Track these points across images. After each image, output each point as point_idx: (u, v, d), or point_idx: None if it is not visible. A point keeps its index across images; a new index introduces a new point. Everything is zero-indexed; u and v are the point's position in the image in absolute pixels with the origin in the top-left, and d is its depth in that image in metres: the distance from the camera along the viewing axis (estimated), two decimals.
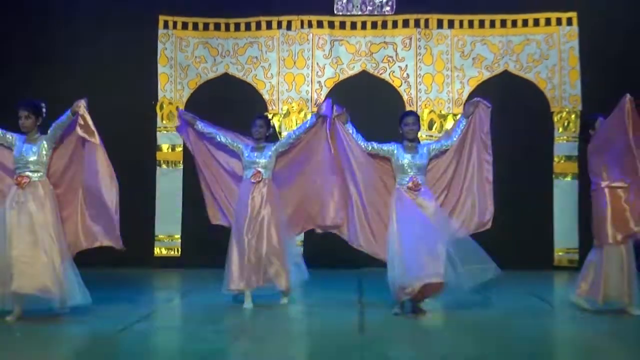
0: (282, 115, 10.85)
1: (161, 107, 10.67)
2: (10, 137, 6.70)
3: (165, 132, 10.75)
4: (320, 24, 11.00)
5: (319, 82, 10.94)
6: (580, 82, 10.65)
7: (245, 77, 10.99)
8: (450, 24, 10.90)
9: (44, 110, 6.72)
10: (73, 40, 10.71)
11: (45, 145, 6.61)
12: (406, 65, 10.91)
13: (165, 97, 10.89)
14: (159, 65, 10.93)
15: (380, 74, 10.93)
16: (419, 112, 10.57)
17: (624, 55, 10.07)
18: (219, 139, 7.35)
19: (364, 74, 10.96)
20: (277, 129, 10.48)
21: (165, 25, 11.01)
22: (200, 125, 7.43)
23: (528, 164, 10.50)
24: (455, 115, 10.38)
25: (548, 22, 10.79)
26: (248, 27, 11.04)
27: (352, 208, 7.15)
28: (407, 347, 5.66)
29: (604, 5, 10.55)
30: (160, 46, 10.96)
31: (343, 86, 10.89)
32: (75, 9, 10.69)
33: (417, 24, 10.92)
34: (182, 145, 10.05)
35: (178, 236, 10.52)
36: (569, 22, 10.75)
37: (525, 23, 10.84)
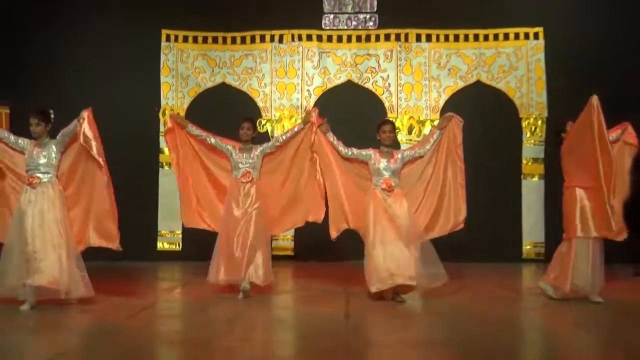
0: (275, 121, 10.85)
1: (164, 114, 10.63)
2: (22, 142, 6.74)
3: None
4: (309, 38, 10.99)
5: (308, 90, 10.94)
6: (546, 91, 10.67)
7: (241, 86, 10.98)
8: (428, 38, 10.92)
9: (52, 117, 6.73)
10: (83, 51, 10.66)
11: (54, 149, 6.63)
12: (388, 76, 10.92)
13: (167, 104, 10.85)
14: (161, 75, 10.91)
15: (364, 83, 10.94)
16: (399, 119, 10.66)
17: (585, 66, 10.11)
18: (209, 141, 7.32)
19: (349, 83, 10.97)
20: (270, 133, 10.47)
21: (168, 39, 10.98)
22: (192, 128, 7.41)
23: (499, 165, 10.52)
24: (432, 121, 10.40)
25: (517, 36, 10.82)
26: (243, 40, 11.02)
27: (333, 200, 7.19)
28: (388, 332, 5.68)
29: (567, 21, 10.58)
30: (163, 57, 10.94)
31: (330, 94, 10.89)
32: (86, 23, 10.64)
33: (397, 37, 10.93)
34: None
35: (179, 232, 10.49)
36: (536, 36, 10.78)
37: (496, 37, 10.86)
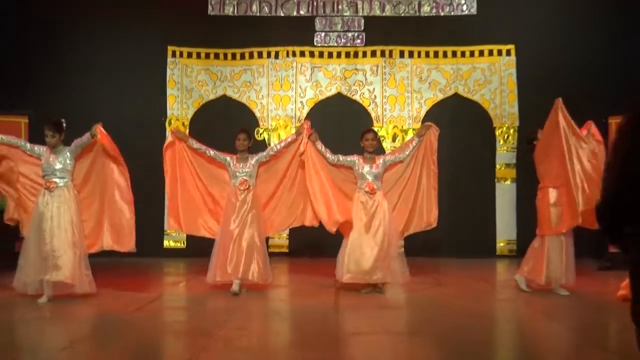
0: (271, 130, 10.83)
1: (169, 123, 10.59)
2: (38, 149, 6.76)
3: None
4: (302, 54, 10.98)
5: (302, 102, 10.92)
6: (517, 102, 10.70)
7: (241, 98, 10.95)
8: (410, 54, 10.92)
9: (64, 126, 6.71)
10: (96, 64, 10.62)
11: (69, 156, 6.65)
12: (374, 88, 10.92)
13: (173, 114, 10.83)
14: (168, 88, 10.87)
15: (353, 95, 10.93)
16: (384, 128, 10.65)
17: (553, 79, 10.12)
18: (208, 153, 7.25)
19: (338, 95, 10.95)
20: (267, 141, 10.45)
21: (174, 54, 10.95)
22: (192, 142, 7.36)
23: (475, 170, 10.53)
24: (414, 130, 10.38)
25: (491, 53, 10.83)
26: (243, 56, 11.00)
27: (321, 203, 7.17)
28: (373, 322, 5.66)
29: (537, 39, 10.60)
30: (169, 72, 10.90)
31: (321, 105, 10.88)
32: (98, 39, 10.59)
33: (382, 54, 10.93)
34: None
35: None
36: (508, 53, 10.80)
37: (472, 54, 10.87)
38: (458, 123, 10.25)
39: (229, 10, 11.00)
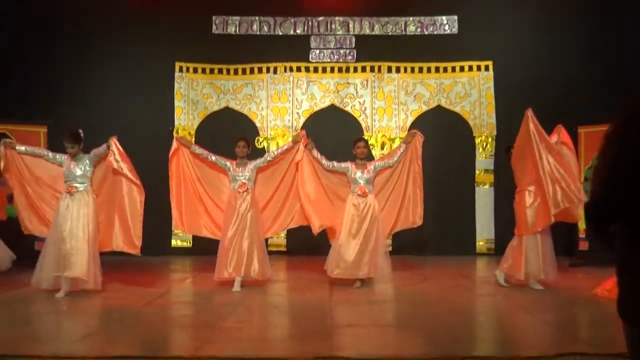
0: (270, 139, 10.81)
1: (177, 132, 10.56)
2: (60, 157, 6.79)
3: None
4: (299, 69, 10.97)
5: (298, 113, 10.91)
6: (495, 113, 10.72)
7: (242, 110, 10.93)
8: (397, 70, 10.93)
9: (82, 136, 6.71)
10: (109, 79, 10.62)
11: (88, 163, 6.69)
12: (364, 101, 10.91)
13: (180, 124, 10.80)
14: (175, 100, 10.85)
15: (345, 107, 10.92)
16: (373, 137, 10.64)
17: (527, 92, 10.13)
18: (210, 158, 7.21)
19: (332, 107, 10.95)
20: (266, 149, 10.42)
21: (181, 70, 10.93)
22: (195, 147, 7.34)
23: (456, 175, 10.54)
24: (401, 138, 10.37)
25: (470, 68, 10.85)
26: (244, 71, 10.99)
27: (309, 207, 7.16)
28: (364, 315, 5.63)
29: (512, 57, 10.63)
30: (176, 85, 10.88)
31: (316, 116, 10.87)
32: (111, 55, 10.57)
33: (372, 69, 10.94)
34: None
35: None
36: (487, 68, 10.82)
37: (453, 69, 10.89)
38: (441, 132, 10.26)
39: (232, 30, 10.99)
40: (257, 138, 10.70)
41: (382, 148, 10.71)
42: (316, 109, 10.92)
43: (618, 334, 2.33)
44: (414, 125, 10.46)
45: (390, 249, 7.13)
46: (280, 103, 10.92)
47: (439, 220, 9.84)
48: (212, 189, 7.30)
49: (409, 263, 8.62)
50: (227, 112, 10.92)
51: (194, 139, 10.40)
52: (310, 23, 10.99)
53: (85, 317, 5.61)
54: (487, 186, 10.63)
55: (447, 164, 10.34)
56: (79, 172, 6.58)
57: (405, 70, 10.92)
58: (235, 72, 10.98)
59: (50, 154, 6.81)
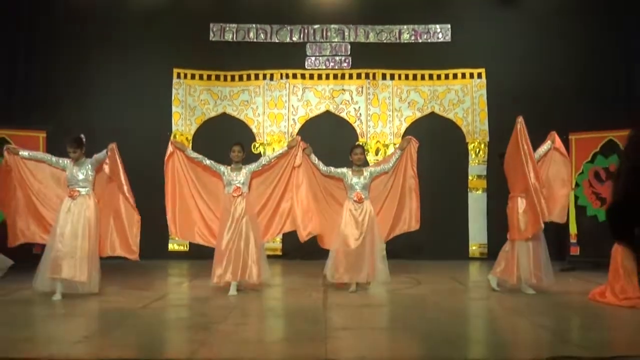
0: (266, 144, 10.80)
1: (174, 137, 10.52)
2: (62, 162, 6.79)
3: None
4: (295, 76, 10.99)
5: (294, 119, 10.91)
6: (487, 120, 10.74)
7: (239, 116, 10.93)
8: (392, 77, 10.95)
9: (84, 140, 6.69)
10: (108, 85, 10.64)
11: (90, 168, 6.69)
12: (359, 107, 10.92)
13: (177, 130, 10.79)
14: (173, 106, 10.84)
15: (340, 113, 10.93)
16: (367, 143, 10.66)
17: (519, 100, 10.18)
18: (204, 162, 7.14)
19: (327, 113, 10.96)
20: (262, 154, 10.40)
21: (178, 76, 10.93)
22: (190, 151, 7.31)
23: (450, 180, 10.55)
24: (395, 144, 10.38)
25: (463, 75, 10.88)
26: (241, 78, 11.00)
27: (300, 213, 7.14)
28: (358, 318, 5.62)
29: (505, 64, 10.69)
30: (174, 91, 10.87)
31: (312, 122, 10.88)
32: (110, 62, 10.61)
33: (367, 76, 10.96)
34: None
35: None
36: (479, 75, 10.85)
37: (447, 76, 10.92)
38: (435, 139, 10.26)
39: (229, 37, 11.00)
40: (253, 143, 10.71)
41: (377, 154, 10.72)
42: (312, 115, 10.92)
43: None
44: (408, 131, 10.49)
45: (384, 253, 7.09)
46: (276, 109, 10.92)
47: (432, 225, 9.79)
48: (207, 194, 7.22)
49: (403, 267, 8.60)
50: (224, 117, 10.91)
51: (191, 144, 10.39)
52: (306, 31, 11.01)
53: (83, 320, 5.57)
54: (479, 191, 10.63)
55: (441, 169, 10.35)
56: (81, 177, 6.59)
57: (400, 78, 10.94)
58: (232, 78, 10.98)
59: (54, 159, 6.80)
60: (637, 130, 2.27)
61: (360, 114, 10.91)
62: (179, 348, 4.61)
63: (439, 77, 10.90)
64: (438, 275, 8.44)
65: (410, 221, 7.31)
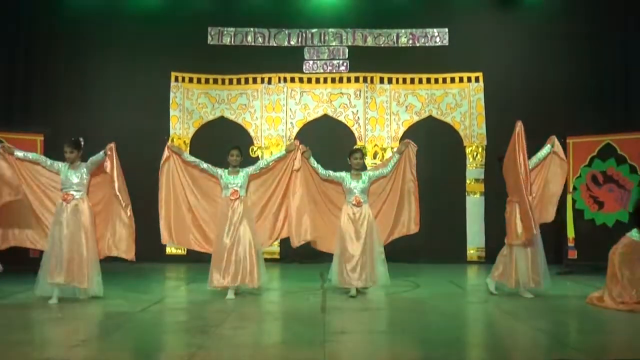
0: (264, 148, 10.80)
1: (172, 141, 10.49)
2: (57, 165, 6.74)
3: None
4: (292, 80, 10.99)
5: (292, 122, 10.91)
6: (485, 124, 10.75)
7: (237, 119, 10.93)
8: (389, 81, 10.96)
9: (82, 144, 6.68)
10: (106, 89, 10.64)
11: (85, 171, 6.63)
12: (357, 111, 10.93)
13: (175, 133, 10.78)
14: (170, 109, 10.84)
15: (338, 116, 10.93)
16: (365, 146, 10.66)
17: (517, 103, 10.21)
18: (201, 166, 7.10)
19: (325, 117, 10.96)
20: (260, 157, 10.39)
21: (176, 79, 10.92)
22: (187, 155, 7.27)
23: (448, 184, 10.54)
24: (392, 148, 10.39)
25: (461, 79, 10.89)
26: (239, 81, 11.00)
27: (311, 219, 7.12)
28: (357, 322, 5.62)
29: (502, 68, 10.71)
30: (172, 95, 10.87)
31: (310, 126, 10.87)
32: (109, 65, 10.61)
33: (365, 80, 10.96)
34: None
35: None
36: (477, 79, 10.86)
37: (444, 80, 10.93)
38: (432, 143, 10.26)
39: (227, 40, 11.01)
40: (251, 147, 10.70)
41: (374, 157, 10.72)
42: (309, 118, 10.93)
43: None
44: (405, 135, 10.48)
45: (383, 256, 7.07)
46: (274, 113, 10.92)
47: (430, 228, 9.79)
48: (204, 198, 7.15)
49: (401, 270, 8.60)
50: (222, 121, 10.91)
51: (188, 148, 10.39)
52: (304, 35, 11.02)
53: (81, 323, 5.56)
54: (477, 195, 10.64)
55: (439, 173, 10.34)
56: (76, 180, 6.54)
57: (397, 81, 10.95)
58: (230, 82, 10.99)
59: (49, 161, 6.75)
60: None
61: (358, 117, 10.92)
62: (176, 352, 4.61)
63: (436, 81, 10.92)
64: (436, 279, 8.44)
65: (410, 224, 7.28)
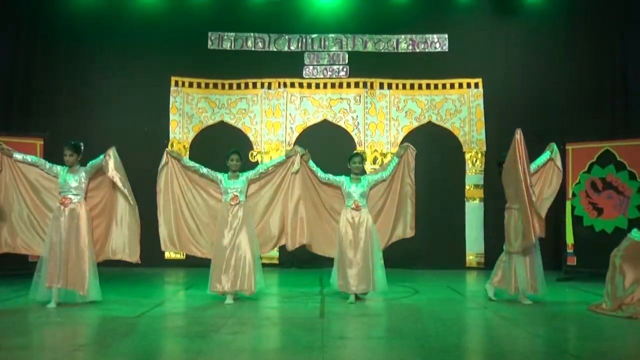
0: (264, 152, 10.82)
1: (172, 146, 10.55)
2: (56, 169, 6.71)
3: None
4: (292, 85, 11.02)
5: (291, 127, 10.93)
6: (484, 130, 10.77)
7: (237, 124, 10.95)
8: (389, 86, 10.99)
9: (82, 148, 6.68)
10: (106, 93, 10.66)
11: (84, 175, 6.61)
12: (357, 116, 10.96)
13: (175, 138, 10.80)
14: (170, 114, 10.86)
15: (337, 122, 10.96)
16: (365, 152, 10.68)
17: (516, 109, 10.26)
18: (201, 170, 7.07)
19: (325, 122, 10.98)
20: (260, 162, 10.40)
21: (176, 84, 10.95)
22: (186, 160, 7.24)
23: (447, 190, 10.57)
24: (392, 153, 10.38)
25: (460, 85, 10.92)
26: (239, 86, 11.02)
27: (307, 222, 7.13)
28: (356, 327, 5.62)
29: (502, 74, 10.75)
30: (171, 99, 10.89)
31: (309, 131, 10.89)
32: (109, 69, 10.63)
33: (364, 85, 10.99)
34: None
35: None
36: (476, 85, 10.89)
37: (444, 86, 10.96)
38: (432, 148, 10.29)
39: (227, 45, 11.03)
40: (250, 152, 10.72)
41: (374, 162, 10.74)
42: (309, 123, 10.95)
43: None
44: (405, 140, 10.47)
45: (382, 262, 7.07)
46: (274, 118, 10.94)
47: (429, 234, 9.86)
48: (203, 203, 7.12)
49: (400, 276, 8.60)
50: (222, 126, 10.93)
51: (188, 152, 10.41)
52: (304, 40, 11.05)
53: (80, 328, 5.56)
54: (476, 201, 10.66)
55: (438, 179, 10.36)
56: (74, 184, 6.53)
57: (397, 87, 10.98)
58: (230, 87, 11.01)
59: (47, 165, 6.74)
60: None
61: (357, 122, 10.94)
62: (175, 356, 4.61)
63: (436, 86, 10.94)
64: (435, 285, 8.44)
65: (405, 228, 7.29)
